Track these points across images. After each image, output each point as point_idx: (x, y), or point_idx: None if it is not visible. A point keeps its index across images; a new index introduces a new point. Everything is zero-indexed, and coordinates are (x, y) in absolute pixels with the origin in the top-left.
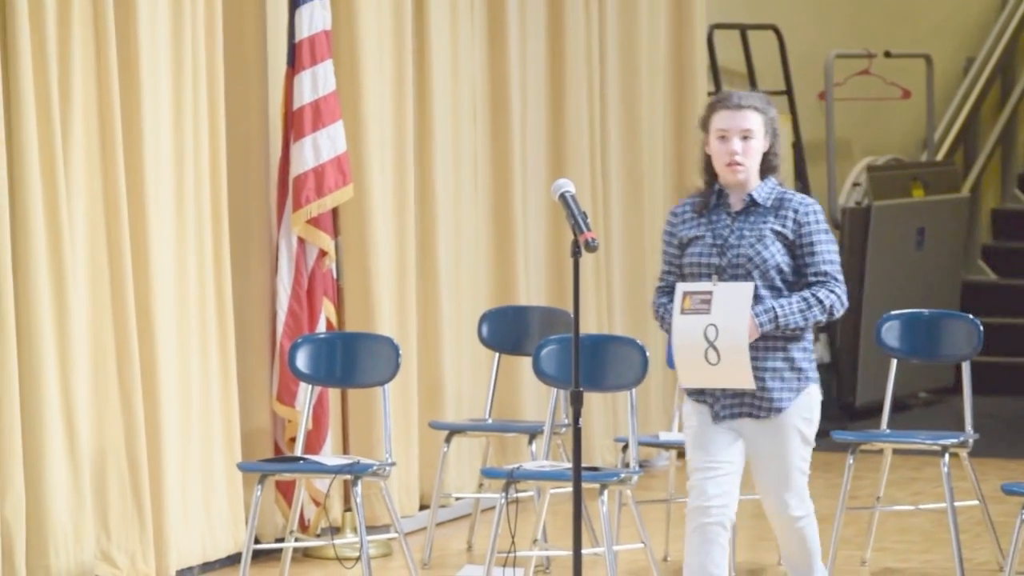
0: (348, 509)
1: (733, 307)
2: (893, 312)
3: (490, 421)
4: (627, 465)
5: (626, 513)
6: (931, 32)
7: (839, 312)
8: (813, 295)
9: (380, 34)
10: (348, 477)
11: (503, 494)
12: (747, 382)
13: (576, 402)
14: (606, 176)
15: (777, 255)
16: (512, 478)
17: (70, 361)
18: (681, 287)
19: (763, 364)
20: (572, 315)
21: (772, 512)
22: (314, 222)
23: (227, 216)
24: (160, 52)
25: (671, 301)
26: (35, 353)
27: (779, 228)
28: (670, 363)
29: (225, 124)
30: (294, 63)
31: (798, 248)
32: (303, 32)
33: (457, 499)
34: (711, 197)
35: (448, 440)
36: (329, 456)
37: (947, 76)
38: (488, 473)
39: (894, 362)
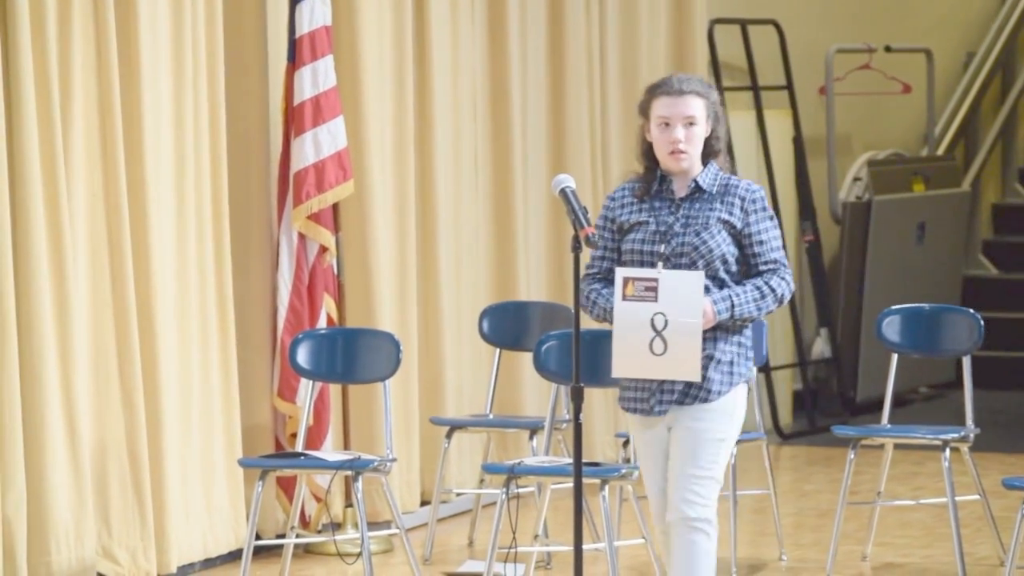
0: (349, 505)
1: (684, 295)
2: (894, 307)
3: (491, 417)
4: (628, 460)
5: (627, 508)
6: (932, 27)
7: (787, 299)
8: (766, 283)
9: (380, 30)
10: (349, 473)
11: (504, 490)
12: (693, 374)
13: (577, 398)
14: (606, 171)
15: (723, 244)
16: (513, 474)
17: (71, 357)
18: (622, 272)
19: (704, 352)
20: (572, 311)
21: (670, 508)
22: (315, 218)
23: (228, 212)
24: (160, 48)
25: (606, 288)
26: (36, 349)
27: (726, 216)
28: None
29: (226, 120)
30: (294, 59)
31: (745, 237)
32: (303, 28)
33: (458, 495)
34: (653, 182)
35: (449, 436)
36: (330, 452)
37: (948, 71)
38: (489, 469)
39: (895, 357)
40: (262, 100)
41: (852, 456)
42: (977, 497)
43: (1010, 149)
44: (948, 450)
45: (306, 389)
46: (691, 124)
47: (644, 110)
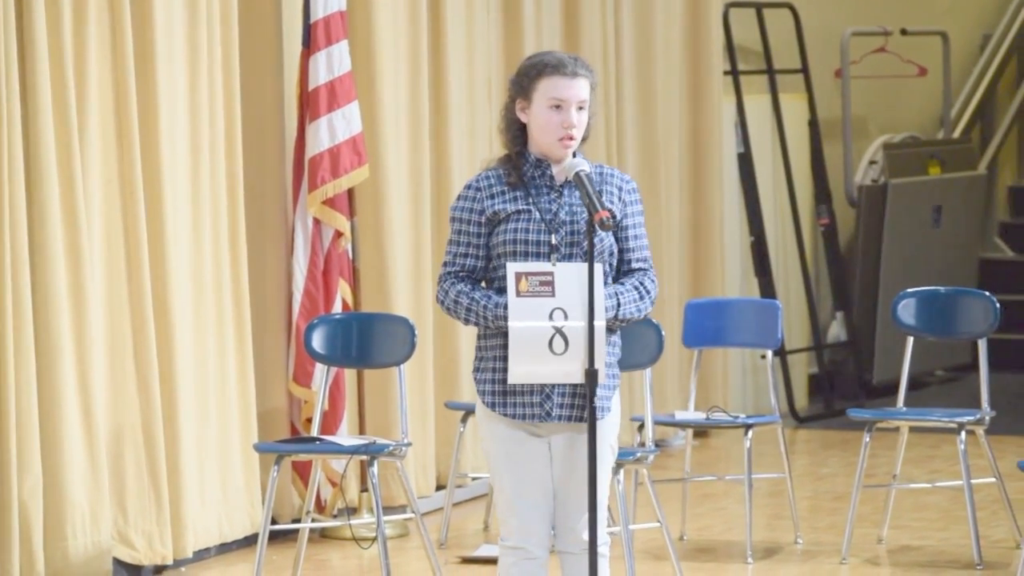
0: (364, 490)
1: (583, 288)
2: (910, 290)
3: None
4: (643, 444)
5: (642, 492)
6: (947, 9)
7: (653, 304)
8: (642, 285)
9: (395, 14)
10: (364, 458)
11: None
12: (600, 374)
13: (591, 381)
14: (621, 155)
15: (609, 236)
16: None
17: (87, 343)
18: (514, 267)
19: None
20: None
21: (569, 540)
22: (330, 203)
23: (243, 197)
24: (175, 34)
25: (471, 287)
26: (52, 336)
27: (608, 206)
28: (686, 342)
29: (241, 105)
30: (309, 44)
31: (622, 230)
32: (318, 13)
33: (474, 479)
34: (525, 167)
35: (464, 420)
36: (345, 437)
37: (963, 53)
38: None
39: (911, 340)
40: (277, 86)
41: (868, 439)
42: (993, 480)
43: None
44: (964, 433)
45: (321, 374)
46: (581, 108)
47: (524, 88)
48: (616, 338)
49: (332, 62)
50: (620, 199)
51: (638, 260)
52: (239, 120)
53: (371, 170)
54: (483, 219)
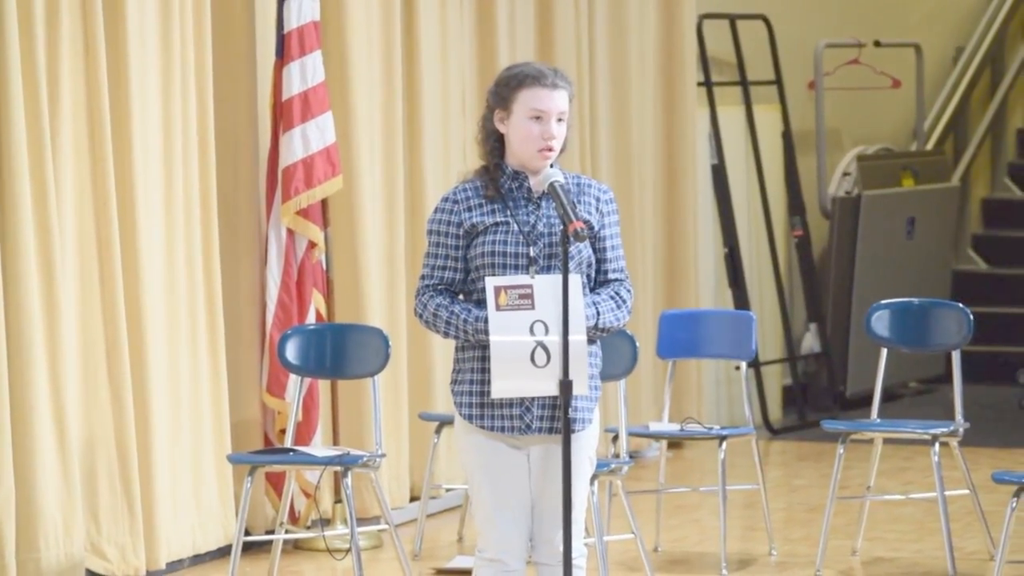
0: (338, 501)
1: (562, 300)
2: (883, 301)
3: None
4: (617, 456)
5: (616, 503)
6: (921, 21)
7: (630, 315)
8: (618, 295)
9: (369, 24)
10: (338, 469)
11: None
12: (581, 386)
13: (565, 392)
14: (595, 165)
15: (587, 247)
16: None
17: (59, 353)
18: (492, 281)
19: None
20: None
21: (546, 552)
22: (303, 213)
23: (216, 207)
24: (149, 44)
25: (450, 301)
26: (24, 346)
27: (586, 216)
28: (660, 353)
29: (214, 115)
30: (283, 54)
31: (599, 240)
32: (292, 23)
33: (448, 490)
34: (502, 179)
35: (438, 431)
36: (319, 448)
37: (937, 65)
38: None
39: (884, 351)
40: (250, 96)
41: (842, 451)
42: (967, 491)
43: (999, 143)
44: (937, 444)
45: (295, 385)
46: (561, 120)
47: (504, 98)
48: (596, 348)
49: (306, 72)
50: (598, 209)
51: (615, 271)
52: (212, 130)
53: (345, 181)
54: (461, 232)
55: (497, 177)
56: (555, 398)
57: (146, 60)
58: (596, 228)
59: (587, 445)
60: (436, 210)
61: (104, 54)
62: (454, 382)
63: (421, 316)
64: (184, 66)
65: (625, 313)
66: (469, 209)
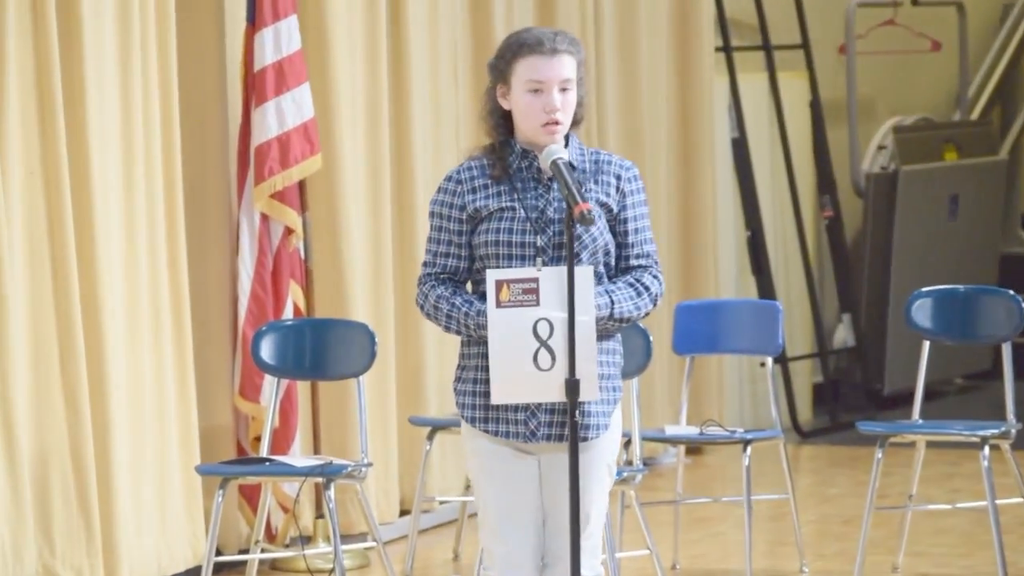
0: (320, 516)
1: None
2: (924, 289)
3: None
4: (630, 463)
5: (630, 516)
6: None
7: (659, 302)
8: (639, 281)
9: None
10: (320, 480)
11: None
12: (590, 390)
13: (572, 392)
14: (602, 141)
15: (604, 233)
16: None
17: (7, 354)
18: (494, 275)
19: None
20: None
21: (560, 571)
22: (279, 196)
23: (182, 191)
24: (104, 8)
25: (453, 291)
26: None
27: (603, 198)
28: (677, 349)
29: (178, 88)
30: (255, 19)
31: (620, 223)
32: None
33: (441, 503)
34: (511, 158)
35: (431, 437)
36: (298, 457)
37: (982, 25)
38: None
39: (926, 344)
40: (218, 65)
41: (880, 455)
42: (1021, 500)
43: None
44: (987, 448)
45: (271, 387)
46: (565, 89)
47: (502, 71)
48: (615, 344)
49: (280, 39)
50: (618, 189)
51: (638, 256)
52: (176, 105)
53: (324, 160)
54: (464, 216)
55: (505, 156)
56: (564, 403)
57: (102, 25)
58: (615, 210)
59: (604, 452)
60: (438, 190)
61: (54, 18)
62: (457, 380)
63: (422, 308)
64: (144, 33)
65: (647, 301)
66: (473, 191)
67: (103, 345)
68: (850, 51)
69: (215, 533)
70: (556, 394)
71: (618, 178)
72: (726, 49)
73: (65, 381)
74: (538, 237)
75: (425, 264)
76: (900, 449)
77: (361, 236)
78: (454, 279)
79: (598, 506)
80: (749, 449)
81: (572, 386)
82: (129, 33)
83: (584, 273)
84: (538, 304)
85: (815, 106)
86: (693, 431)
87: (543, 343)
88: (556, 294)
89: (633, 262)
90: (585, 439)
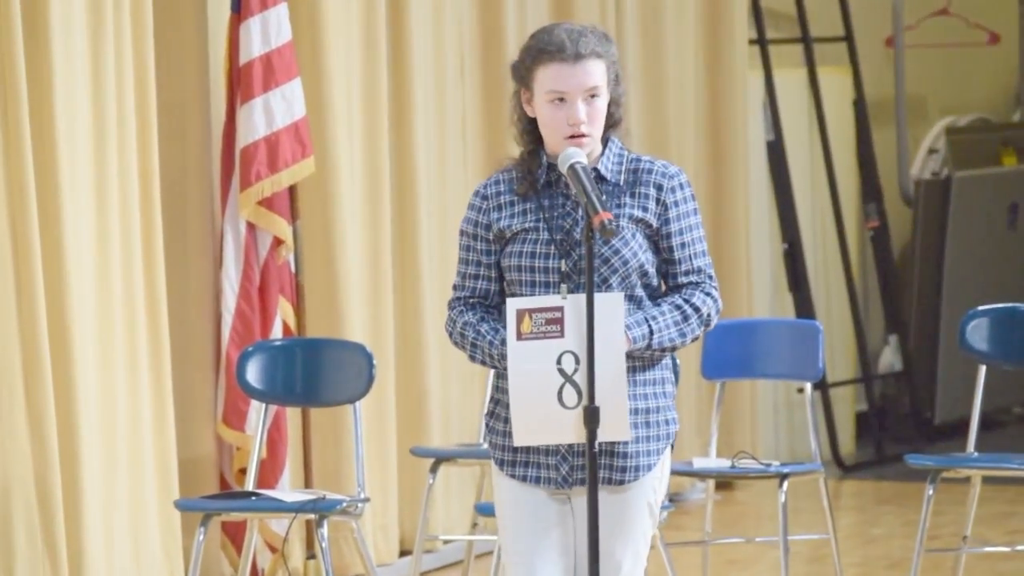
0: (311, 556)
1: (599, 326)
2: (980, 308)
3: (484, 446)
4: None
5: (654, 557)
6: None
7: (715, 321)
8: (687, 302)
9: None
10: (311, 516)
11: None
12: (620, 430)
13: (591, 421)
14: (628, 139)
15: (640, 253)
16: None
17: None
18: (515, 304)
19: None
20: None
21: None
22: (267, 203)
23: (159, 197)
24: None
25: (480, 318)
26: None
27: (639, 214)
28: (706, 374)
29: (155, 83)
30: (239, 7)
31: (663, 238)
32: None
33: (446, 542)
34: (539, 172)
35: (434, 470)
36: (288, 491)
37: None
38: (483, 509)
39: (982, 369)
40: (200, 58)
41: (931, 492)
42: None
43: None
44: None
45: (258, 414)
46: (593, 96)
47: (524, 77)
48: (663, 372)
49: (268, 30)
50: (659, 201)
51: (687, 273)
52: (153, 101)
53: (317, 163)
54: (491, 235)
55: (533, 168)
56: (599, 444)
57: (70, 13)
58: (656, 225)
59: (646, 493)
60: (468, 206)
61: (18, 5)
62: (489, 415)
63: (450, 335)
64: (118, 22)
65: (696, 324)
66: (499, 208)
67: (72, 367)
68: (898, 44)
69: (195, 574)
70: (582, 434)
71: (659, 188)
72: (761, 42)
73: (30, 406)
74: (563, 262)
75: (455, 287)
76: (953, 485)
77: (357, 248)
78: (484, 303)
79: (633, 553)
80: (785, 484)
81: (591, 414)
82: (101, 22)
83: (613, 300)
84: (563, 335)
85: (859, 105)
86: (724, 464)
87: (568, 379)
88: (583, 325)
89: (682, 280)
90: (622, 482)
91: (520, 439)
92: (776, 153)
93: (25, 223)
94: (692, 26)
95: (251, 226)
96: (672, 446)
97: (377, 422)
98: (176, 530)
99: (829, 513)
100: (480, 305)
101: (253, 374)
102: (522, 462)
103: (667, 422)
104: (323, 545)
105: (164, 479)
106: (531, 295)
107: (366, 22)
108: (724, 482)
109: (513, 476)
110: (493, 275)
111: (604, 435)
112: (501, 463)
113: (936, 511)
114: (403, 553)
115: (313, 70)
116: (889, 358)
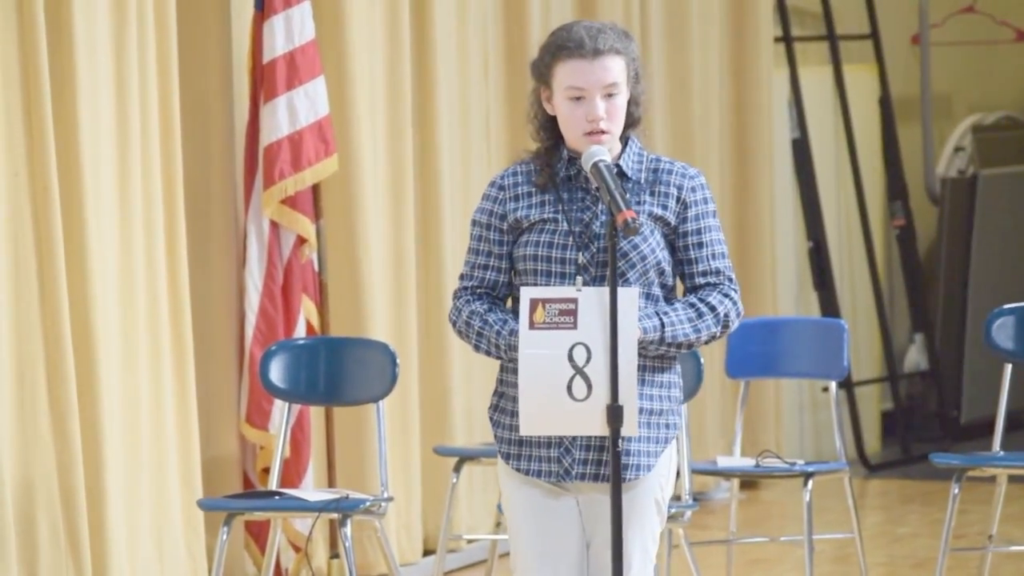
0: (335, 556)
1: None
2: (1007, 306)
3: None
4: (679, 498)
5: (678, 557)
6: None
7: (735, 324)
8: (702, 301)
9: None
10: (335, 516)
11: None
12: (630, 425)
13: (615, 420)
14: (649, 138)
15: (658, 250)
16: None
17: None
18: (529, 292)
19: None
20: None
21: None
22: (290, 202)
23: (183, 196)
24: None
25: (488, 308)
26: None
27: (659, 212)
28: (730, 372)
29: (179, 81)
30: (263, 5)
31: (681, 237)
32: None
33: (470, 541)
34: (558, 165)
35: (458, 469)
36: (311, 490)
37: None
38: None
39: (1008, 368)
40: (223, 56)
41: (956, 491)
42: None
43: None
44: None
45: (281, 413)
46: (612, 94)
47: (543, 74)
48: (671, 376)
49: (292, 28)
50: (679, 200)
51: (704, 273)
52: (177, 100)
53: (341, 162)
54: (505, 225)
55: (552, 162)
56: (602, 439)
57: (94, 13)
58: (674, 223)
59: (650, 489)
60: (482, 196)
61: (41, 4)
62: (493, 408)
63: (455, 324)
64: (141, 21)
65: (711, 323)
66: (516, 198)
67: (95, 365)
68: (924, 41)
69: (219, 574)
70: (589, 427)
71: (679, 188)
72: (786, 39)
73: (53, 405)
74: (580, 254)
75: (462, 277)
76: (979, 484)
77: (381, 246)
78: (492, 294)
79: (642, 549)
80: (810, 483)
81: (615, 413)
82: (125, 21)
83: (628, 295)
84: (575, 327)
85: (885, 103)
86: (748, 463)
87: (579, 371)
88: (596, 318)
89: (699, 280)
90: (623, 480)
91: (527, 428)
92: (801, 151)
93: (49, 223)
94: (717, 24)
95: (274, 225)
96: (677, 449)
97: (400, 421)
98: (199, 529)
99: (854, 512)
100: (487, 296)
101: (276, 373)
102: (525, 455)
103: (668, 425)
104: (347, 544)
105: (187, 478)
106: (545, 285)
107: (390, 20)
108: (749, 481)
109: (517, 470)
110: (503, 266)
111: (604, 429)
112: (506, 456)
113: (961, 510)
114: (427, 552)
115: (337, 68)
116: (915, 357)
